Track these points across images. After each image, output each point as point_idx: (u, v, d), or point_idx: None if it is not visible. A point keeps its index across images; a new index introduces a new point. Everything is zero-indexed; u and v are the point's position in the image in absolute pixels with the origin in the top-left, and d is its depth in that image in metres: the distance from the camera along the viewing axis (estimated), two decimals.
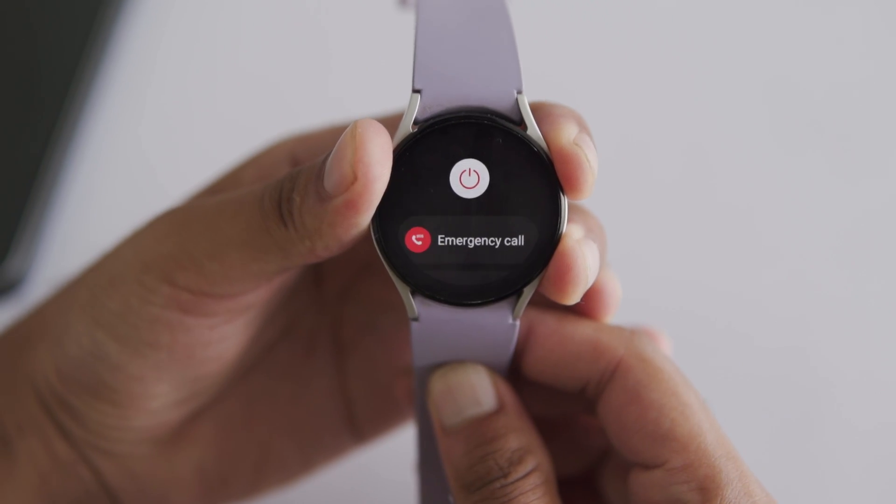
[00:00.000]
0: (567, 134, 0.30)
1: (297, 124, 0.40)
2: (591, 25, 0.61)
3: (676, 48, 0.60)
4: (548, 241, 0.30)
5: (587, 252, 0.30)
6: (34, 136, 0.55)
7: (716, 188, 0.56)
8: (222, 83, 0.59)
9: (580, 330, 0.32)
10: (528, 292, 0.30)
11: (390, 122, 0.31)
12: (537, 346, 0.33)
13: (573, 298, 0.30)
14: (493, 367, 0.32)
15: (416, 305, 0.30)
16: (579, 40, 0.60)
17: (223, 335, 0.34)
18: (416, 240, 0.30)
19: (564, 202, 0.30)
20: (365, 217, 0.29)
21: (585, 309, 0.33)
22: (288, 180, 0.31)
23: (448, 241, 0.30)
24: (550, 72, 0.57)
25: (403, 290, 0.30)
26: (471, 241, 0.30)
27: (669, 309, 0.51)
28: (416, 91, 0.30)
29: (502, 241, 0.30)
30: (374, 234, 0.30)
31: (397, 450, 0.44)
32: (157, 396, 0.35)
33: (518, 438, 0.31)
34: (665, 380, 0.31)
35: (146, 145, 0.57)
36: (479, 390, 0.32)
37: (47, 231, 0.54)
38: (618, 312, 0.34)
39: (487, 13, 0.31)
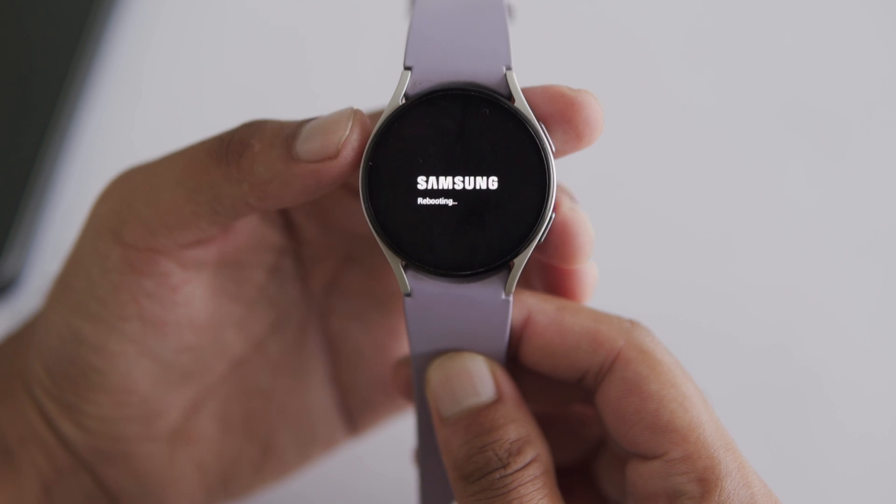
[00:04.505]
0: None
1: None
2: (588, 33, 0.62)
3: (671, 54, 0.61)
4: (537, 210, 0.30)
5: (585, 217, 0.31)
6: (27, 137, 0.55)
7: (701, 193, 0.56)
8: (212, 83, 0.59)
9: (579, 320, 0.32)
10: (518, 264, 0.30)
11: (370, 118, 0.32)
12: (536, 335, 0.33)
13: (584, 261, 0.31)
14: (490, 353, 0.32)
15: (409, 280, 0.30)
16: (586, 54, 0.60)
17: (186, 298, 0.34)
18: (407, 211, 0.30)
19: (552, 172, 0.30)
20: (321, 191, 0.30)
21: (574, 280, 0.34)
22: (246, 127, 0.32)
23: (438, 212, 0.30)
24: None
25: (395, 264, 0.30)
26: (460, 212, 0.30)
27: (654, 310, 0.51)
28: (407, 68, 0.30)
29: (492, 212, 0.30)
30: (365, 206, 0.30)
31: (394, 442, 0.44)
32: (145, 376, 0.35)
33: (517, 429, 0.31)
34: (664, 371, 0.31)
35: (138, 145, 0.57)
36: (477, 380, 0.31)
37: (41, 231, 0.54)
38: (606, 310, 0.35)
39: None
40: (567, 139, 0.30)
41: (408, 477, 0.42)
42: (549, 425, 0.34)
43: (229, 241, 0.35)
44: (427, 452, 0.35)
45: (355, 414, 0.40)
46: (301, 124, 0.30)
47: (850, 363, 0.51)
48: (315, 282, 0.40)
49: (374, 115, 0.32)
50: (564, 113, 0.30)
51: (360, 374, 0.40)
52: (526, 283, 0.35)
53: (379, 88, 0.40)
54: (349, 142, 0.30)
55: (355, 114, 0.30)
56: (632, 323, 0.32)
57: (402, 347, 0.40)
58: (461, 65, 0.30)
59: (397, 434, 0.43)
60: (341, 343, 0.40)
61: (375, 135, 0.30)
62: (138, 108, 0.58)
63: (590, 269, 0.34)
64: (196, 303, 0.35)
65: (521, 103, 0.30)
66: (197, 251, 0.33)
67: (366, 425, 0.40)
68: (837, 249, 0.54)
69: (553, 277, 0.34)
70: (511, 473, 0.30)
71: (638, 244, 0.54)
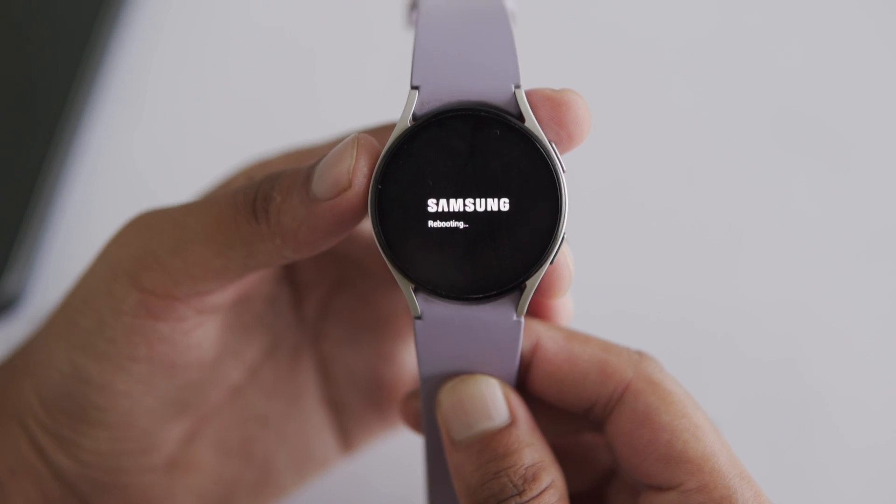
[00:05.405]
0: None
1: (290, 141, 0.40)
2: (588, 45, 0.62)
3: (674, 66, 0.61)
4: (549, 230, 0.30)
5: (566, 250, 0.31)
6: (30, 153, 0.54)
7: (707, 206, 0.56)
8: (217, 99, 0.59)
9: (588, 349, 0.32)
10: (530, 286, 0.30)
11: (377, 133, 0.32)
12: (545, 362, 0.32)
13: (561, 294, 0.31)
14: (501, 375, 0.32)
15: (419, 303, 0.30)
16: (586, 67, 0.61)
17: (198, 340, 0.34)
18: (417, 234, 0.30)
19: (564, 192, 0.30)
20: (348, 224, 0.30)
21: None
22: (266, 181, 0.31)
23: (449, 235, 0.30)
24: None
25: (406, 287, 0.30)
26: (471, 235, 0.29)
27: (662, 322, 0.51)
28: (414, 87, 0.30)
29: (503, 234, 0.30)
30: (375, 229, 0.30)
31: (401, 462, 0.44)
32: (146, 412, 0.34)
33: (532, 454, 0.30)
34: (675, 402, 0.31)
35: (142, 161, 0.57)
36: (490, 403, 0.31)
37: (44, 247, 0.54)
38: (614, 326, 0.35)
39: (486, 13, 0.31)
40: (559, 141, 0.30)
41: (414, 497, 0.42)
42: (558, 454, 0.33)
43: (243, 283, 0.34)
44: (436, 479, 0.34)
45: (349, 432, 0.40)
46: (314, 165, 0.30)
47: (856, 378, 0.50)
48: (308, 306, 0.40)
49: (384, 129, 0.32)
50: (554, 115, 0.30)
51: (353, 394, 0.40)
52: None
53: (386, 96, 0.40)
54: (358, 168, 0.29)
55: (359, 140, 0.30)
56: (640, 354, 0.32)
57: (394, 367, 0.40)
58: (470, 84, 0.30)
59: (404, 453, 0.43)
60: (333, 364, 0.40)
61: (384, 158, 0.29)
62: (142, 126, 0.58)
63: (565, 303, 0.34)
64: (206, 344, 0.35)
65: (532, 123, 0.30)
66: (215, 296, 0.33)
67: (359, 443, 0.40)
68: (844, 263, 0.54)
69: (529, 310, 0.34)
70: (527, 501, 0.29)
71: (643, 257, 0.54)
